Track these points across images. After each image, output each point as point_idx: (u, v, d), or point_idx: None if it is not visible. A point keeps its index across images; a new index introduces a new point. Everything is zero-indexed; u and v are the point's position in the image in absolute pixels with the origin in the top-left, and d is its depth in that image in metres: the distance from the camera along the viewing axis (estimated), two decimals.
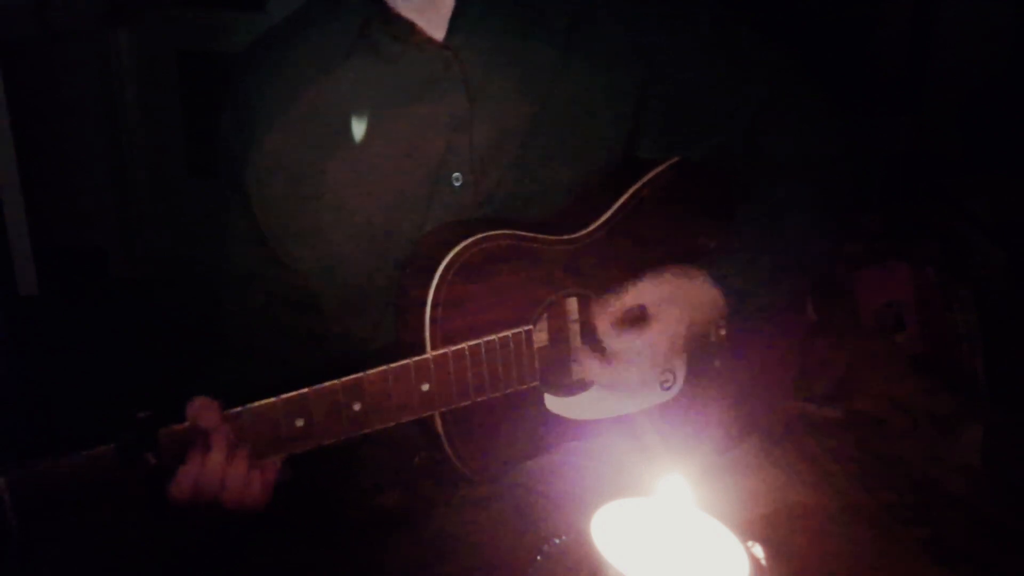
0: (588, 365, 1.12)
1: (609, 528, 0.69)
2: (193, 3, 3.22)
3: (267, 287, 1.19)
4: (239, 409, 0.96)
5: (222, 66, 2.98)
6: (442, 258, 1.04)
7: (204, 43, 3.20)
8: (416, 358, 1.02)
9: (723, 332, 1.23)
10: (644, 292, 1.10)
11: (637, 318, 1.11)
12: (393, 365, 1.01)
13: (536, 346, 1.11)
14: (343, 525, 1.11)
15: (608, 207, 1.15)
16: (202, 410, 0.95)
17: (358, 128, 1.11)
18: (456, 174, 1.11)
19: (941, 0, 2.78)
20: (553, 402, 1.14)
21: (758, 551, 0.70)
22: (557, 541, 0.77)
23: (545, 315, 1.13)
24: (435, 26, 1.10)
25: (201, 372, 1.16)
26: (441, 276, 1.04)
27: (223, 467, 0.95)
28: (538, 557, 0.77)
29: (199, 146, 3.30)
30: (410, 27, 1.10)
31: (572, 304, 1.16)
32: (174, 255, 3.15)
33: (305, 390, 0.98)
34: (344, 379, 0.99)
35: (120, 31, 3.16)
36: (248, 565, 1.04)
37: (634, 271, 1.13)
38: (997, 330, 2.08)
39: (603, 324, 1.10)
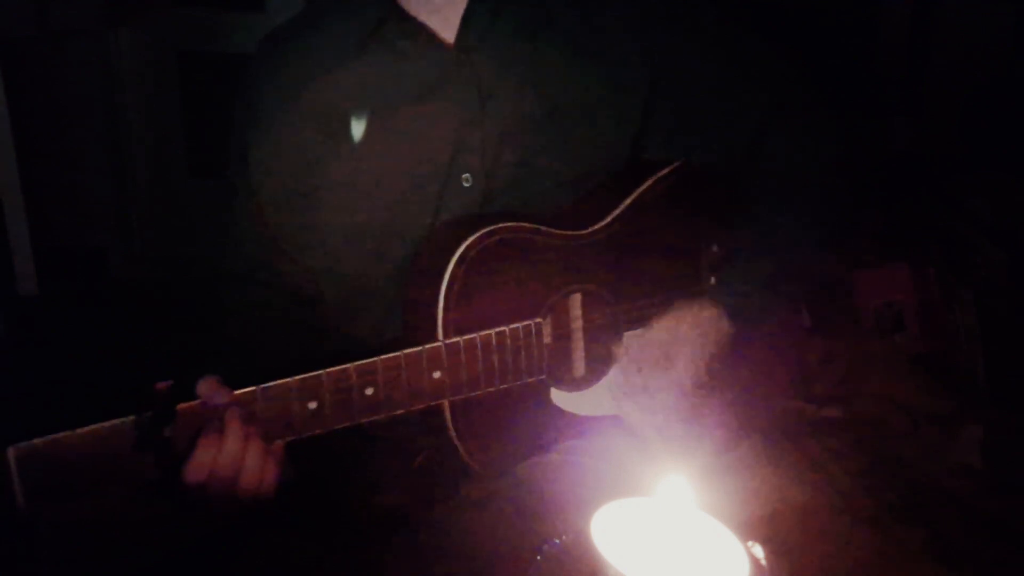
0: (625, 409, 1.14)
1: (609, 528, 0.69)
2: (193, 3, 3.23)
3: (268, 281, 1.19)
4: (253, 388, 0.95)
5: (222, 66, 2.99)
6: (456, 247, 1.05)
7: (204, 43, 3.21)
8: (429, 345, 1.03)
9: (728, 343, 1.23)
10: (665, 336, 1.13)
11: (661, 361, 1.13)
12: (406, 351, 1.01)
13: (544, 340, 1.11)
14: (343, 525, 1.11)
15: (614, 207, 1.16)
16: (215, 389, 0.94)
17: (367, 126, 1.12)
18: (466, 175, 1.12)
19: (941, 1, 2.78)
20: (558, 396, 1.14)
21: (758, 551, 0.70)
22: (557, 541, 0.77)
23: (552, 309, 1.14)
24: (447, 27, 1.11)
25: (202, 371, 1.16)
26: (456, 264, 1.04)
27: (242, 447, 0.94)
28: (538, 557, 0.77)
29: (199, 146, 3.30)
30: (423, 27, 1.10)
31: (576, 300, 1.16)
32: (174, 255, 3.15)
33: (319, 372, 0.97)
34: (357, 363, 0.99)
35: (120, 31, 3.16)
36: (248, 565, 1.04)
37: (637, 277, 1.15)
38: (997, 330, 2.08)
39: (629, 369, 1.12)
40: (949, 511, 1.54)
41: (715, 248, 1.23)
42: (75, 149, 3.21)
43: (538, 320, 1.10)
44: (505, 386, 1.09)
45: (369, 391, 1.00)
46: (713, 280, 1.22)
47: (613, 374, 1.17)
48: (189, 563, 1.06)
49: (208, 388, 0.94)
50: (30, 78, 3.03)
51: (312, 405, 0.98)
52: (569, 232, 1.13)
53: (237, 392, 0.95)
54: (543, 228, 1.11)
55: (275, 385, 0.96)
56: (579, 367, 1.18)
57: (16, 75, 2.93)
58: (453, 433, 1.08)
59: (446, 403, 1.06)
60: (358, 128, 1.12)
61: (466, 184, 1.12)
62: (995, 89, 2.66)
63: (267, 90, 1.15)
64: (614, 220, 1.16)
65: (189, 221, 3.05)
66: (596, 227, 1.15)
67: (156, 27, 3.19)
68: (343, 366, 0.98)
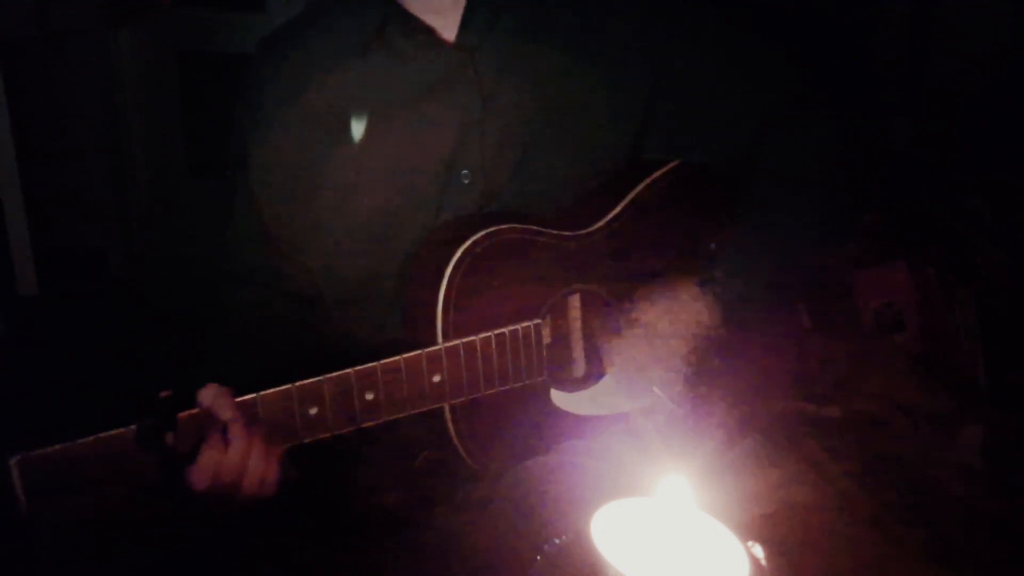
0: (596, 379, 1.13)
1: (609, 528, 0.69)
2: (193, 3, 3.23)
3: (268, 281, 1.19)
4: (253, 396, 0.96)
5: (222, 66, 2.99)
6: (456, 249, 1.05)
7: (204, 43, 3.21)
8: (428, 349, 1.03)
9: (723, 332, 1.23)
10: (646, 309, 1.12)
11: (639, 332, 1.12)
12: (406, 355, 1.02)
13: (544, 341, 1.11)
14: (344, 525, 1.11)
15: (613, 207, 1.16)
16: (216, 396, 0.94)
17: (367, 126, 1.12)
18: (465, 171, 1.12)
19: (941, 1, 2.78)
20: (558, 397, 1.14)
21: (758, 551, 0.70)
22: (557, 541, 0.77)
23: (552, 310, 1.14)
24: (448, 27, 1.11)
25: (202, 370, 1.16)
26: (455, 267, 1.04)
27: (245, 453, 0.94)
28: (538, 557, 0.77)
29: (199, 146, 3.30)
30: (424, 27, 1.11)
31: (575, 300, 1.16)
32: (174, 255, 3.15)
33: (319, 378, 0.97)
34: (358, 368, 0.99)
35: (120, 31, 3.16)
36: (248, 565, 1.04)
37: (636, 277, 1.14)
38: (997, 330, 2.08)
39: (606, 337, 1.11)
40: (949, 511, 1.54)
41: (714, 247, 1.23)
42: (75, 149, 3.21)
43: (537, 321, 1.10)
44: (505, 388, 1.09)
45: (369, 396, 1.00)
46: (713, 245, 1.22)
47: (616, 371, 1.17)
48: (189, 563, 1.06)
49: (209, 395, 0.94)
50: (30, 78, 3.03)
51: (313, 411, 0.98)
52: (568, 232, 1.13)
53: (238, 400, 0.95)
54: (542, 228, 1.11)
55: (275, 392, 0.97)
56: (579, 367, 1.18)
57: (16, 75, 2.93)
58: (453, 434, 1.08)
59: (447, 405, 1.06)
60: (358, 128, 1.12)
61: (465, 181, 1.12)
62: (995, 89, 2.66)
63: (268, 90, 1.15)
64: (613, 220, 1.16)
65: (189, 221, 3.05)
66: (595, 227, 1.15)
67: (156, 27, 3.19)
68: (343, 371, 0.98)
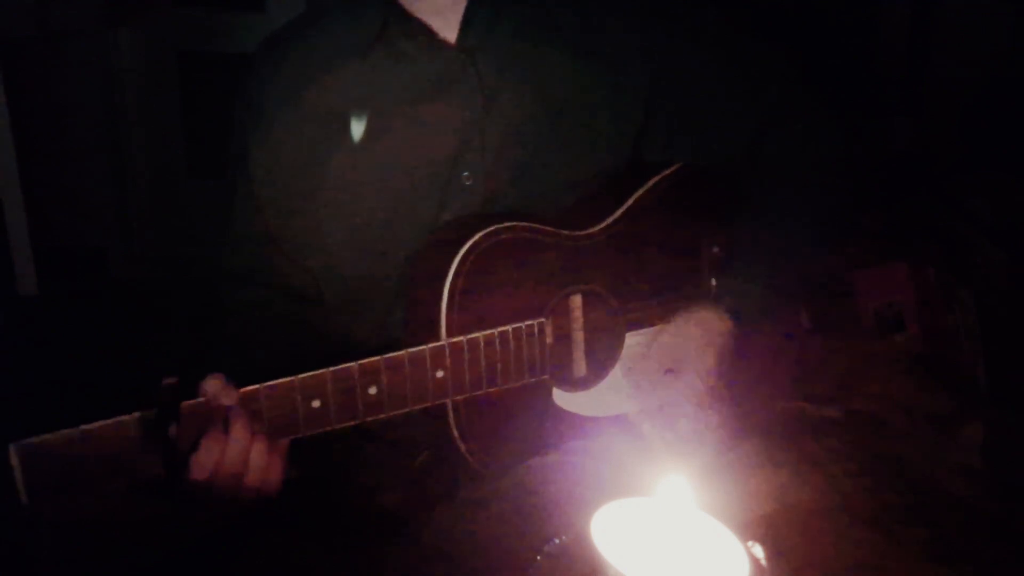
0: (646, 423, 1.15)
1: (609, 528, 0.69)
2: (193, 3, 3.23)
3: (268, 281, 1.19)
4: (256, 387, 0.95)
5: (222, 66, 3.00)
6: (459, 248, 1.05)
7: (204, 43, 3.21)
8: (432, 345, 1.03)
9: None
10: (673, 348, 1.14)
11: (673, 371, 1.14)
12: (410, 350, 1.02)
13: (546, 340, 1.12)
14: (344, 525, 1.11)
15: (615, 208, 1.16)
16: (220, 387, 0.93)
17: (368, 126, 1.12)
18: (466, 172, 1.12)
19: (941, 1, 2.78)
20: (560, 397, 1.14)
21: (758, 551, 0.70)
22: (557, 541, 0.77)
23: (554, 310, 1.14)
24: (449, 27, 1.11)
25: (202, 370, 1.16)
26: (459, 264, 1.04)
27: (247, 446, 0.94)
28: (538, 557, 0.77)
29: (199, 146, 3.30)
30: (425, 29, 1.11)
31: (577, 300, 1.16)
32: (174, 255, 3.16)
33: (323, 371, 0.97)
34: (362, 361, 0.99)
35: (120, 31, 3.16)
36: (248, 565, 1.04)
37: (638, 278, 1.16)
38: (997, 330, 2.08)
39: (643, 381, 1.13)
40: (949, 511, 1.54)
41: (716, 250, 1.23)
42: (75, 149, 3.21)
43: (541, 320, 1.10)
44: (508, 386, 1.09)
45: (372, 390, 1.00)
46: (714, 282, 1.23)
47: (624, 380, 1.17)
48: (189, 563, 1.06)
49: (213, 386, 0.94)
50: (30, 78, 3.03)
51: (316, 404, 0.98)
52: (571, 232, 1.13)
53: (241, 390, 0.95)
54: (545, 228, 1.11)
55: (278, 383, 0.96)
56: (580, 367, 1.18)
57: (16, 75, 2.94)
58: (456, 433, 1.08)
59: (449, 403, 1.06)
60: (359, 129, 1.12)
61: (467, 183, 1.12)
62: (995, 89, 2.66)
63: (268, 90, 1.15)
64: (615, 221, 1.16)
65: (189, 221, 3.05)
66: (597, 227, 1.15)
67: (156, 27, 3.19)
68: (346, 364, 0.98)
